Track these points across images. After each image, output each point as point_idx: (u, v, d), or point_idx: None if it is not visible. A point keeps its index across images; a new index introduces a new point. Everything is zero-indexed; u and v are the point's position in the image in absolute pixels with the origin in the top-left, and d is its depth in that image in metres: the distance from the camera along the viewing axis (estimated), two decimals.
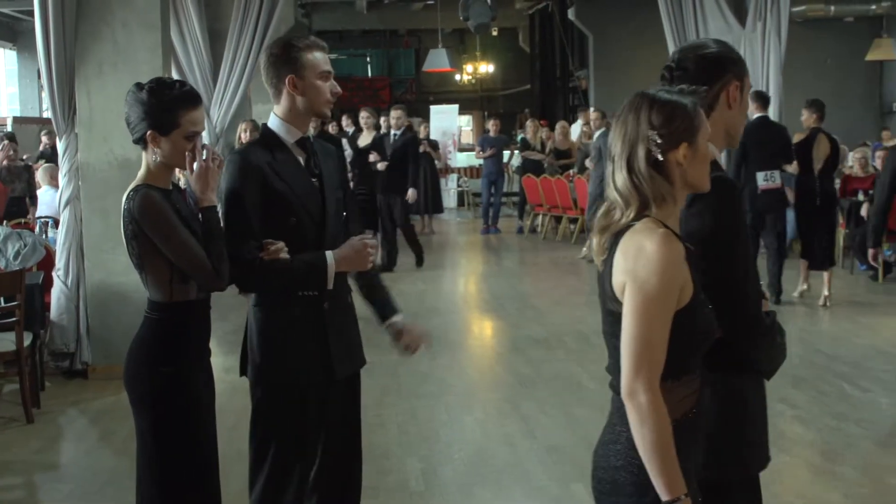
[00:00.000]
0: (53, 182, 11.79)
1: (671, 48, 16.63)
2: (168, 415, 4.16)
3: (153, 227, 4.05)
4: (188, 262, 4.08)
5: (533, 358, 9.91)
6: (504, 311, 12.60)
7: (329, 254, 4.27)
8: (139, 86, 4.18)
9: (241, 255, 4.13)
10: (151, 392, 4.17)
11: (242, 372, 4.47)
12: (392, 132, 15.77)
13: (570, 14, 25.21)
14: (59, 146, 9.35)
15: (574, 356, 9.90)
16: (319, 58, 4.32)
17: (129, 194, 4.15)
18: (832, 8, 21.55)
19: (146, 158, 4.21)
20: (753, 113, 12.44)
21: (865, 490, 6.33)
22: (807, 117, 12.76)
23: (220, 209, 4.20)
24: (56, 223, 10.05)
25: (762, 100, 12.44)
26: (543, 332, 10.99)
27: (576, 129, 22.39)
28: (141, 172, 4.23)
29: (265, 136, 4.36)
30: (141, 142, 4.19)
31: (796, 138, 12.84)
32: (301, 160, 4.35)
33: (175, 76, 12.56)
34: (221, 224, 4.16)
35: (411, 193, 15.54)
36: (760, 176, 12.01)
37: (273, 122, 4.36)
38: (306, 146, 4.39)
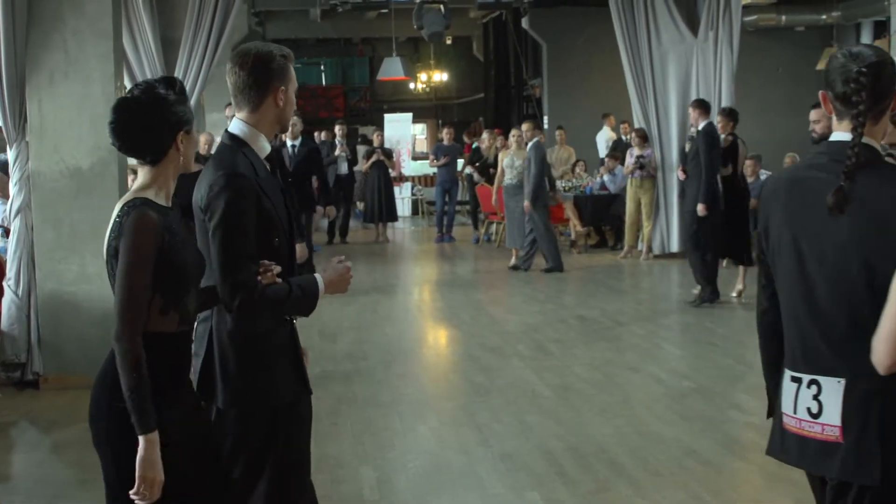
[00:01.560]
0: None
1: (624, 57, 16.77)
2: (128, 455, 3.69)
3: (125, 248, 3.67)
4: (120, 304, 3.65)
5: (487, 366, 9.92)
6: (458, 320, 12.60)
7: (319, 278, 4.13)
8: (150, 92, 3.81)
9: (245, 281, 3.89)
10: (108, 429, 3.78)
11: (204, 398, 4.13)
12: (289, 143, 14.51)
13: (524, 23, 25.27)
14: (10, 155, 9.26)
15: (528, 364, 9.90)
16: (294, 72, 4.21)
17: (124, 207, 3.76)
18: (783, 17, 21.75)
19: (154, 170, 3.83)
20: (700, 120, 12.71)
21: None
22: (724, 124, 13.26)
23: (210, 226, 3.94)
24: (6, 232, 9.95)
25: (706, 107, 12.83)
26: (498, 341, 11.00)
27: (602, 136, 22.45)
28: (142, 183, 3.84)
29: (240, 147, 4.09)
30: (165, 151, 3.81)
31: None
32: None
33: (128, 85, 12.49)
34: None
35: (330, 211, 14.25)
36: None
37: (244, 132, 4.11)
38: (272, 158, 4.23)
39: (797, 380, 3.54)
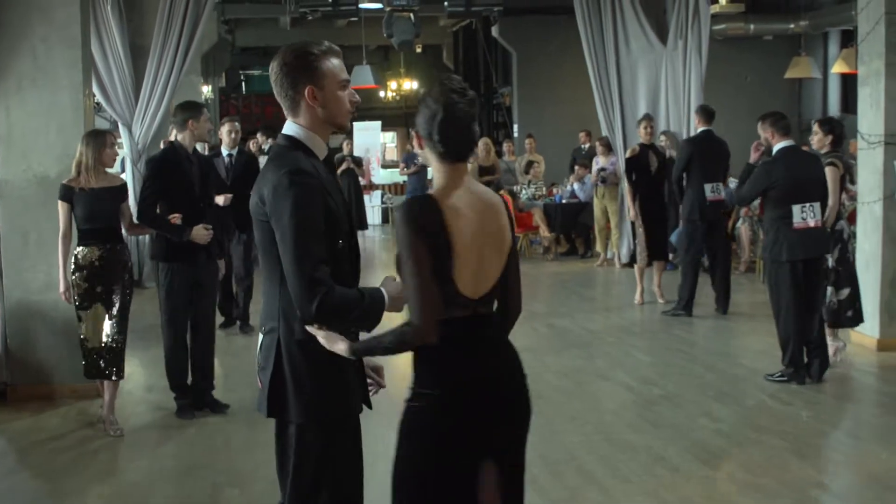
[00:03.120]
0: None
1: (589, 66, 16.84)
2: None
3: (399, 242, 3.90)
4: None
5: None
6: None
7: (384, 291, 4.02)
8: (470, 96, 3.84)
9: (322, 281, 3.74)
10: None
11: (275, 413, 4.01)
12: (225, 152, 12.17)
13: (494, 31, 25.32)
14: None
15: None
16: (337, 65, 4.02)
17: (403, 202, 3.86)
18: (752, 27, 21.85)
19: (462, 166, 3.90)
20: (697, 126, 12.73)
21: (787, 502, 6.40)
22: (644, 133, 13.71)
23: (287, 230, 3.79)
24: None
25: (706, 114, 12.76)
26: None
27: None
28: (446, 182, 3.87)
29: (296, 148, 3.96)
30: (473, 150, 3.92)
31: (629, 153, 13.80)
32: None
33: (96, 92, 12.44)
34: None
35: (222, 199, 10.89)
36: (708, 188, 12.33)
37: (299, 133, 3.99)
38: (327, 160, 4.12)
39: None
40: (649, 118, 13.92)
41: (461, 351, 3.82)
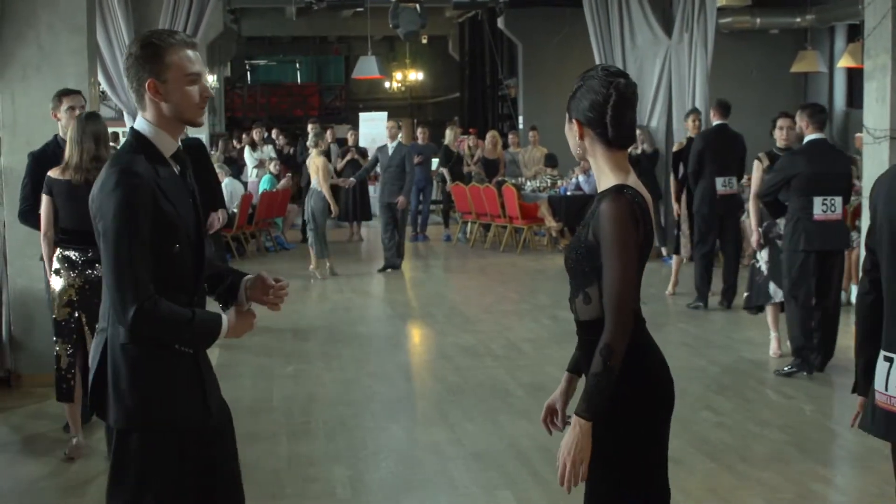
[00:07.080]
0: None
1: (597, 58, 16.80)
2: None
3: (609, 237, 3.57)
4: (613, 290, 3.55)
5: (460, 365, 9.92)
6: (432, 319, 12.59)
7: (224, 319, 3.84)
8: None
9: (138, 292, 3.55)
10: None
11: (99, 414, 3.82)
12: None
13: (500, 23, 25.29)
14: None
15: (501, 364, 9.91)
16: (186, 57, 3.72)
17: (608, 194, 3.66)
18: (758, 20, 21.82)
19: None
20: (713, 120, 12.73)
21: (789, 496, 6.41)
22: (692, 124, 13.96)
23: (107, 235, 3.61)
24: None
25: (723, 108, 12.74)
26: (471, 340, 10.99)
27: None
28: (612, 169, 3.77)
29: (141, 145, 3.72)
30: None
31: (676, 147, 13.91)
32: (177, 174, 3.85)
33: (101, 80, 12.44)
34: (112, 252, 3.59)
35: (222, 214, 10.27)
36: (719, 181, 12.37)
37: (145, 129, 3.74)
38: (179, 157, 3.87)
39: (889, 359, 3.80)
40: (697, 112, 13.91)
41: (650, 341, 3.79)
